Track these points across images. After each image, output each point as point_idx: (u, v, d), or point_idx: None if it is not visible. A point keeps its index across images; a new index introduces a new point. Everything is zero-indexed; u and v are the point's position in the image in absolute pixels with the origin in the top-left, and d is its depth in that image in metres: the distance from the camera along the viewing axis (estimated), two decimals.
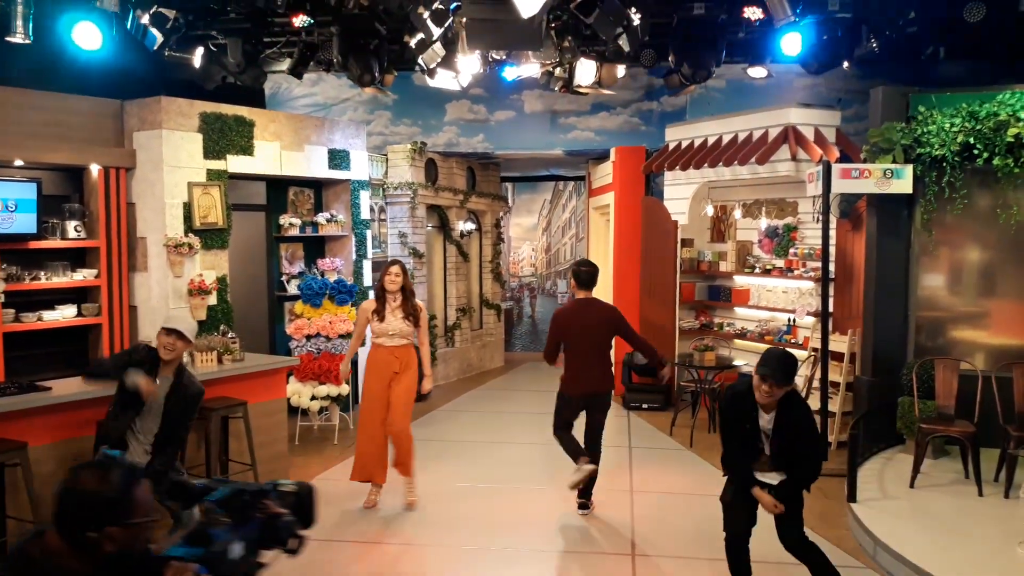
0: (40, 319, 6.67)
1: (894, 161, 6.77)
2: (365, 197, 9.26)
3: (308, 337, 7.94)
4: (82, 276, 6.96)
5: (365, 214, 9.24)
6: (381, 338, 5.94)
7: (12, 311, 6.52)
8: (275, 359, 6.96)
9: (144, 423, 4.80)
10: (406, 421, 6.01)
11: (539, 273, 14.78)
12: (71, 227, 6.91)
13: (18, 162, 6.54)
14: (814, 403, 7.19)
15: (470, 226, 11.70)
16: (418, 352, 6.09)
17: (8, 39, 5.84)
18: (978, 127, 6.55)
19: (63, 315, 6.82)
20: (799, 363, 4.11)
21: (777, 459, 4.15)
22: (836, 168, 6.72)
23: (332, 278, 8.20)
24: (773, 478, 4.18)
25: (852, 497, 5.75)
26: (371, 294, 9.44)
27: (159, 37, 6.31)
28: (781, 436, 4.07)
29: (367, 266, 9.31)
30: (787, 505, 4.12)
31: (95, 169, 7.00)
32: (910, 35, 6.69)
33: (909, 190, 6.77)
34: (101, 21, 6.18)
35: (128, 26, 6.21)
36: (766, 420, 4.11)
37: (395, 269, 5.93)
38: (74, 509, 2.22)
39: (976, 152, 6.57)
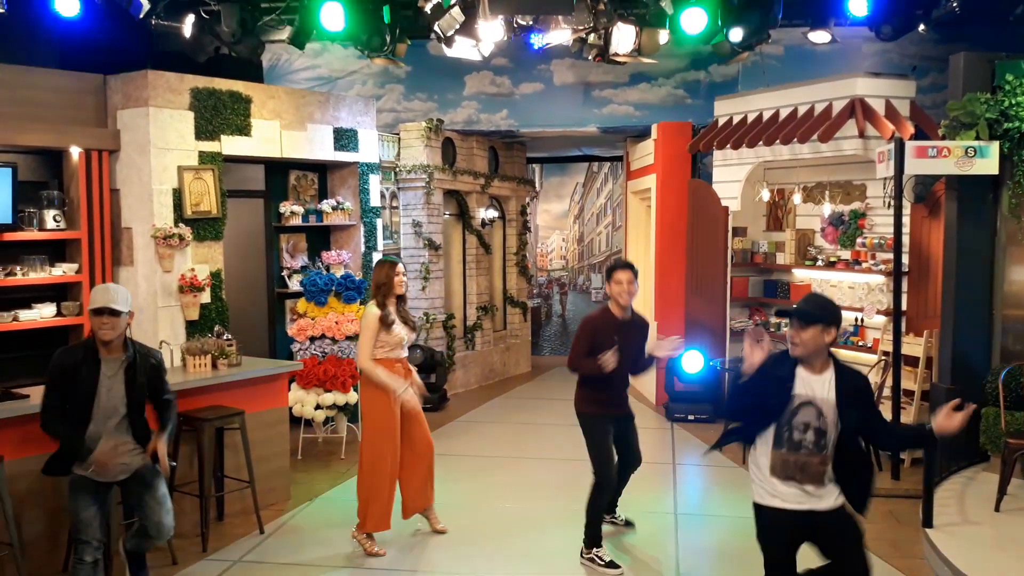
0: (16, 319, 6.79)
1: (977, 137, 6.69)
2: (375, 182, 9.30)
3: (312, 339, 8.03)
4: (62, 271, 7.06)
5: (375, 201, 9.29)
6: (389, 350, 5.80)
7: None
8: (275, 363, 7.01)
9: (104, 409, 4.61)
10: None
11: (570, 266, 14.78)
12: (49, 217, 7.02)
13: None
14: (885, 413, 7.13)
15: (492, 214, 11.73)
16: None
17: None
18: None
19: (41, 314, 6.94)
20: (839, 309, 3.96)
21: (843, 454, 3.76)
22: (910, 146, 6.66)
23: (338, 273, 8.27)
24: (820, 495, 3.77)
25: (928, 522, 5.74)
26: None
27: (145, 4, 6.38)
28: (850, 405, 3.72)
29: (377, 259, 9.34)
30: (848, 540, 3.81)
31: (75, 152, 7.08)
32: None
33: (995, 170, 6.67)
34: None
35: None
36: (820, 385, 3.75)
37: (401, 268, 5.90)
38: None
39: None
